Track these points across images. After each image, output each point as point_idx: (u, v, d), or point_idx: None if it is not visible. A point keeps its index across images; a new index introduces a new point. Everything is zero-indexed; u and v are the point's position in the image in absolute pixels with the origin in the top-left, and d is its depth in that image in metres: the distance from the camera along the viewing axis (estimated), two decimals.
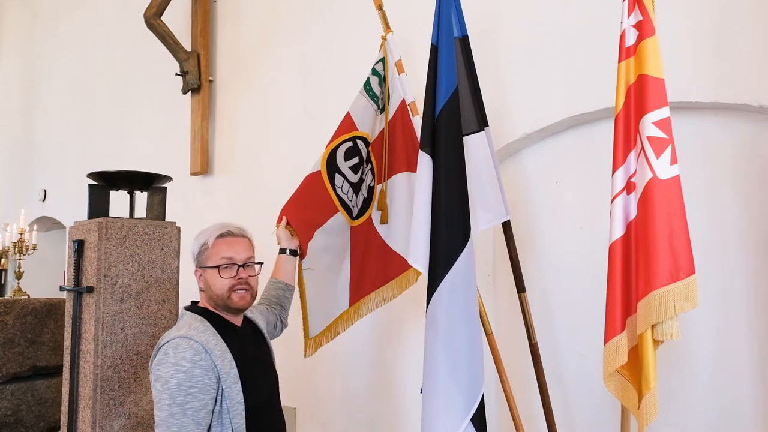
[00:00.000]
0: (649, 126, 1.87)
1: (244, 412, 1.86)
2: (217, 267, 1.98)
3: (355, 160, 2.64)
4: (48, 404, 3.83)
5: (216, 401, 1.83)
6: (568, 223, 2.74)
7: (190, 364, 1.80)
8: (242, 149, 4.26)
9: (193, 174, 4.50)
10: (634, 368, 1.90)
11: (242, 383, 1.88)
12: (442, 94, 2.21)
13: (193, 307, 2.04)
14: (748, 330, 2.29)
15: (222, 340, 1.91)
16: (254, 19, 4.28)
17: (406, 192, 2.53)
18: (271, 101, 4.07)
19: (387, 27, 2.67)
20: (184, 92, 4.52)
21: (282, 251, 2.47)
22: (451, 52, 2.27)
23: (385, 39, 2.67)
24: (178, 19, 4.62)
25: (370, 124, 2.68)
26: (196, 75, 4.44)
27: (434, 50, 2.29)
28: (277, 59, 4.06)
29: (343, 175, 2.62)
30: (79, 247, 2.65)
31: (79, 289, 2.61)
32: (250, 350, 2.03)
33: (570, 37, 2.67)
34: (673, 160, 1.85)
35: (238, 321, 2.06)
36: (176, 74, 4.52)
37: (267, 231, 3.90)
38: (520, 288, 2.47)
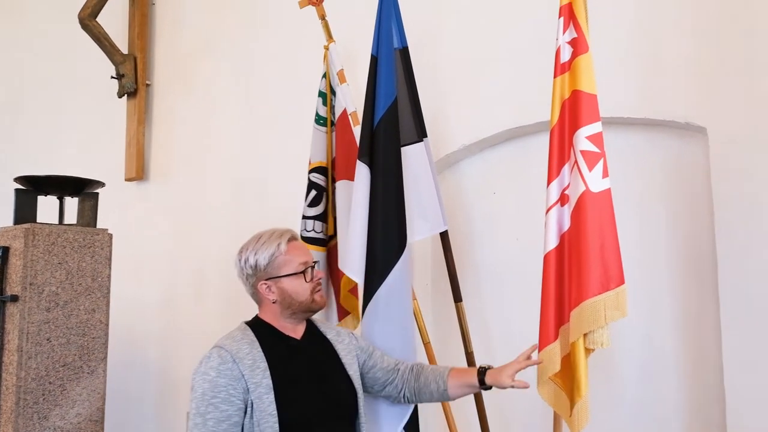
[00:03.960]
0: (582, 140, 1.92)
1: (277, 425, 1.73)
2: (302, 272, 1.88)
3: (313, 193, 2.62)
4: None
5: (246, 413, 1.74)
6: (506, 234, 2.79)
7: (215, 374, 1.73)
8: (180, 156, 4.18)
9: (128, 180, 4.38)
10: (567, 376, 1.94)
11: (278, 393, 1.75)
12: (381, 104, 2.23)
13: (253, 318, 1.94)
14: (674, 339, 2.38)
15: (261, 350, 1.80)
16: (194, 24, 4.21)
17: (344, 200, 2.52)
18: (211, 108, 4.01)
19: (329, 37, 2.68)
20: (120, 96, 4.41)
21: (482, 378, 1.93)
22: (391, 63, 2.29)
23: (328, 49, 2.67)
24: (114, 21, 4.50)
25: (322, 149, 2.66)
26: (133, 78, 4.34)
27: (374, 61, 2.31)
28: (218, 65, 4.00)
29: (306, 217, 2.61)
30: (4, 254, 2.55)
31: (2, 298, 2.50)
32: (303, 363, 1.87)
33: (508, 51, 2.73)
34: (605, 174, 1.90)
35: (297, 333, 1.92)
36: (112, 77, 4.41)
37: (205, 239, 3.85)
38: (457, 298, 2.50)
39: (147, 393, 4.06)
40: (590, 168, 1.90)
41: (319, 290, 1.92)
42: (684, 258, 2.39)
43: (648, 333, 2.42)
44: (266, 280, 1.87)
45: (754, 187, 2.14)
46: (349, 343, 2.00)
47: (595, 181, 1.90)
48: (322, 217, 2.62)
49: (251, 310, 2.15)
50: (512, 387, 1.86)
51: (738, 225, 2.17)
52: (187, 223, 4.01)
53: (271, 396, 1.74)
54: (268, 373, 1.77)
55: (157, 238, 4.17)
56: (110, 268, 2.77)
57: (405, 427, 2.09)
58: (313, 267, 1.91)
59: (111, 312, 2.81)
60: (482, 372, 1.93)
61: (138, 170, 4.32)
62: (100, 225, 2.86)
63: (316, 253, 2.51)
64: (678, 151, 2.42)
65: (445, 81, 2.90)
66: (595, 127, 1.93)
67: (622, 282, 1.87)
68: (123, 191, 4.39)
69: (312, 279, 1.89)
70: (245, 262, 1.88)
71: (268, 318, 1.91)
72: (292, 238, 1.92)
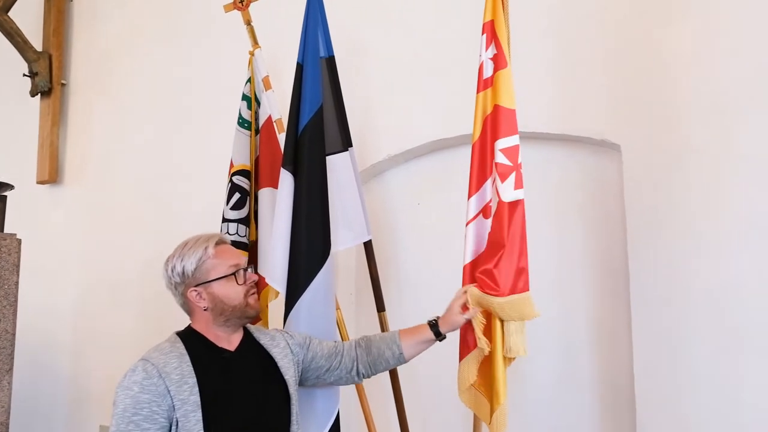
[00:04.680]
0: (498, 153, 1.96)
1: None
2: (233, 275, 1.80)
3: (237, 196, 2.58)
4: None
5: (170, 431, 1.65)
6: (429, 244, 2.82)
7: (138, 389, 1.63)
8: (96, 158, 4.03)
9: (40, 182, 4.20)
10: (487, 383, 1.97)
11: (206, 412, 1.66)
12: (306, 112, 2.23)
13: (184, 328, 1.84)
14: (588, 346, 2.47)
15: (190, 364, 1.71)
16: (114, 22, 4.08)
17: (268, 208, 2.50)
18: (129, 109, 3.89)
19: (255, 43, 2.65)
20: (33, 95, 4.22)
21: (435, 329, 1.99)
22: (317, 72, 2.29)
23: (253, 55, 2.64)
24: (28, 16, 4.31)
25: (246, 152, 2.63)
26: (47, 77, 4.16)
27: (299, 69, 2.31)
28: (137, 65, 3.89)
29: (227, 220, 2.56)
30: None
31: None
32: (236, 377, 1.79)
33: (434, 64, 2.77)
34: (517, 186, 1.92)
35: (233, 343, 1.84)
36: (24, 75, 4.22)
37: (122, 243, 3.73)
38: (380, 307, 2.51)
39: (57, 404, 3.89)
40: (503, 180, 1.94)
41: (253, 293, 1.85)
42: (599, 269, 2.48)
43: (564, 341, 2.50)
44: (195, 286, 1.79)
45: (664, 201, 2.25)
46: (285, 346, 1.93)
47: (506, 191, 1.92)
48: (246, 221, 2.58)
49: (169, 316, 2.10)
50: (466, 320, 1.92)
51: (649, 238, 2.27)
52: (103, 227, 3.87)
53: (198, 414, 1.66)
54: (197, 389, 1.68)
55: (70, 243, 4.01)
56: (18, 274, 2.64)
57: None
58: (246, 270, 1.85)
59: (19, 321, 2.69)
60: (433, 325, 1.97)
61: (51, 173, 4.15)
62: (8, 229, 2.73)
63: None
64: (594, 167, 2.51)
65: (371, 91, 2.91)
66: (509, 141, 1.95)
67: (526, 289, 1.88)
68: (34, 194, 4.21)
69: (245, 282, 1.83)
70: (172, 270, 1.80)
71: (200, 328, 1.82)
72: (221, 242, 1.85)
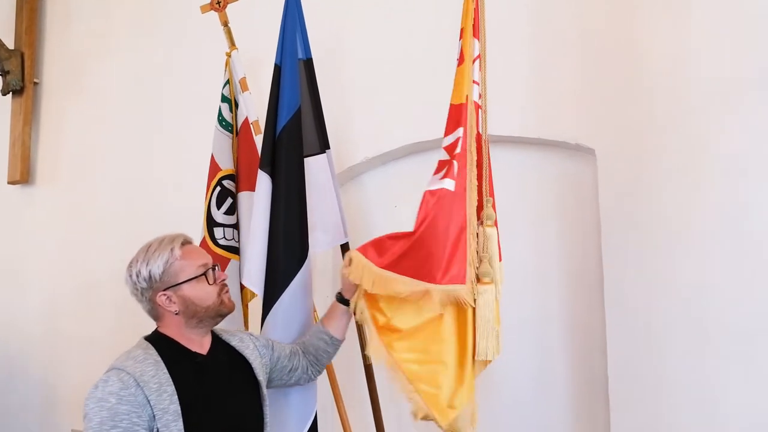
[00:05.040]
0: (441, 151, 1.96)
1: None
2: (203, 275, 1.75)
3: (229, 201, 2.55)
4: None
5: None
6: None
7: (115, 400, 1.56)
8: (70, 158, 3.97)
9: (11, 183, 4.13)
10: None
11: (187, 420, 1.62)
12: (284, 114, 2.21)
13: (152, 333, 1.78)
14: (563, 347, 2.49)
15: (166, 371, 1.65)
16: (88, 20, 4.02)
17: (247, 212, 2.49)
18: (103, 109, 3.84)
19: (232, 44, 2.64)
20: (4, 93, 4.15)
21: (340, 299, 2.05)
22: (295, 73, 2.29)
23: (230, 56, 2.63)
24: (0, 14, 4.25)
25: (230, 157, 2.61)
26: (19, 76, 4.09)
27: (277, 70, 2.30)
28: (112, 64, 3.84)
29: (221, 225, 2.52)
30: None
31: None
32: (211, 382, 1.75)
33: (411, 67, 2.78)
34: (446, 176, 1.88)
35: (203, 347, 1.78)
36: None
37: (97, 247, 3.68)
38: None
39: (29, 408, 3.82)
40: (435, 174, 1.92)
41: (226, 291, 1.82)
42: (574, 271, 2.50)
43: (538, 342, 2.52)
44: (164, 290, 1.72)
45: (638, 205, 2.28)
46: (254, 348, 1.91)
47: (433, 182, 1.90)
48: (238, 226, 2.57)
49: (143, 318, 2.06)
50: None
51: (623, 241, 2.30)
52: (76, 228, 3.82)
53: (180, 423, 1.61)
54: (176, 397, 1.63)
55: (42, 244, 3.95)
56: None
57: None
58: (214, 268, 1.80)
59: None
60: (340, 298, 2.03)
61: (23, 173, 4.07)
62: None
63: (235, 262, 2.49)
64: (569, 171, 2.54)
65: (349, 94, 2.91)
66: (451, 137, 1.93)
67: (434, 281, 1.83)
68: (5, 195, 4.15)
69: (215, 281, 1.78)
70: (137, 276, 1.73)
71: (171, 332, 1.76)
72: (186, 242, 1.80)
